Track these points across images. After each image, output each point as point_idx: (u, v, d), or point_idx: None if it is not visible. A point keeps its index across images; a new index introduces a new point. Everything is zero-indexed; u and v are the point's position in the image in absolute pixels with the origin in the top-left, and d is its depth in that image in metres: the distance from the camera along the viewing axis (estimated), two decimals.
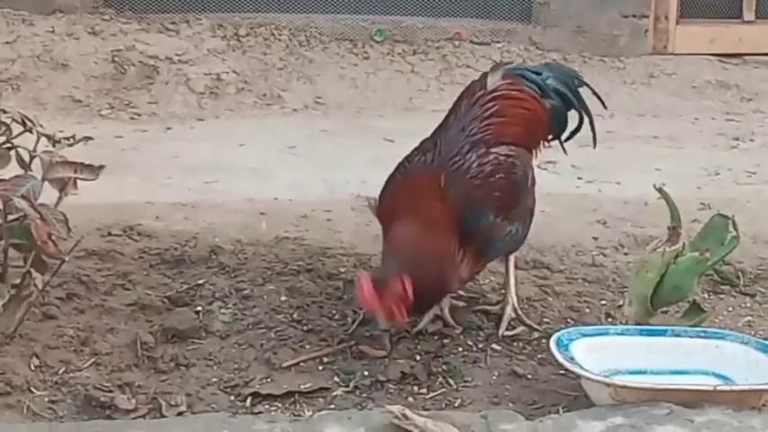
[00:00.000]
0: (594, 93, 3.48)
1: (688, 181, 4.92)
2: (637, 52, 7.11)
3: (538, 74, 3.33)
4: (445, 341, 3.10)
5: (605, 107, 3.53)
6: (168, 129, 5.71)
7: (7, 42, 6.23)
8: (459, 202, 2.98)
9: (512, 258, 3.27)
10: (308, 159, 5.12)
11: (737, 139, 5.87)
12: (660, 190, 3.12)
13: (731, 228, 3.08)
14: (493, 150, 3.10)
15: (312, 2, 6.91)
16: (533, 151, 3.29)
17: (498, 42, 6.97)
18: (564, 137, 3.40)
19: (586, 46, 7.05)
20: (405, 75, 6.54)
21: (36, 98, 5.93)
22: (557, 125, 3.35)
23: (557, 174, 4.78)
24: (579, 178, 4.87)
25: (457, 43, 6.88)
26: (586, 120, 3.41)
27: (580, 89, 3.41)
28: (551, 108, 3.30)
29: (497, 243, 3.10)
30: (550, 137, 3.37)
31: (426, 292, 2.91)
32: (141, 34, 6.45)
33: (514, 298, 3.24)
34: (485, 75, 3.32)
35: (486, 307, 3.31)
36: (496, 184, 3.07)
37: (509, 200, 3.10)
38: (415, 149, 3.16)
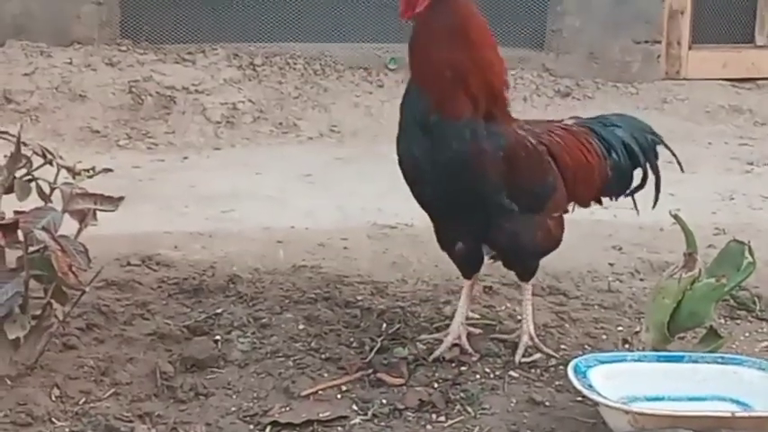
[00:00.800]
0: (670, 150, 3.42)
1: (703, 206, 4.93)
2: (649, 78, 7.13)
3: (611, 126, 3.29)
4: (463, 368, 3.11)
5: (682, 168, 3.47)
6: (185, 158, 5.75)
7: (26, 74, 6.28)
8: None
9: (528, 287, 3.24)
10: (323, 187, 5.15)
11: (751, 163, 5.88)
12: (675, 216, 3.13)
13: (747, 254, 3.09)
14: (538, 140, 3.07)
15: (326, 31, 6.95)
16: (570, 197, 3.20)
17: (512, 69, 6.97)
18: (627, 192, 3.36)
19: (599, 72, 7.08)
20: None
21: (55, 129, 5.97)
22: (619, 185, 3.31)
23: None
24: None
25: None
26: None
27: (654, 147, 3.36)
28: (614, 166, 3.25)
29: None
30: (606, 196, 3.33)
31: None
32: (158, 65, 6.50)
33: (531, 326, 3.23)
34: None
35: (503, 336, 3.31)
36: (529, 152, 3.03)
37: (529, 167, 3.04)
38: None
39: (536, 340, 3.22)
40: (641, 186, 3.37)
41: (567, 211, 3.23)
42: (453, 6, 2.97)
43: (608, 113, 3.48)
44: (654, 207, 3.38)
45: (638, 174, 3.38)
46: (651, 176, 3.38)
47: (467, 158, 2.93)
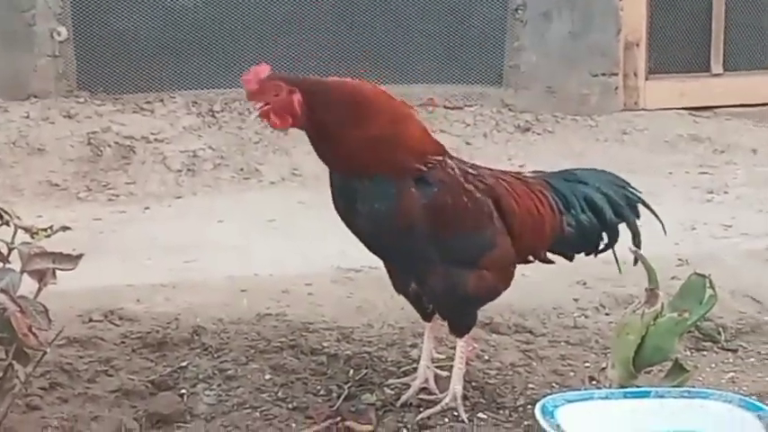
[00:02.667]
0: (649, 208, 3.30)
1: (665, 237, 4.94)
2: (608, 110, 7.19)
3: (573, 181, 3.18)
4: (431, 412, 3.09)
5: (664, 229, 3.32)
6: (146, 208, 5.73)
7: None
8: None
9: (462, 343, 3.11)
10: (286, 233, 5.14)
11: (712, 192, 5.93)
12: (636, 253, 3.14)
13: (708, 286, 3.11)
14: (479, 194, 2.97)
15: (285, 74, 6.95)
16: (519, 257, 3.09)
17: (471, 106, 7.04)
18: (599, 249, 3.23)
19: (558, 106, 7.13)
20: None
21: (13, 185, 5.93)
22: (582, 241, 3.18)
23: None
24: None
25: (430, 109, 6.94)
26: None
27: (630, 203, 3.24)
28: (572, 223, 3.13)
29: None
30: (568, 251, 3.22)
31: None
32: (116, 115, 6.49)
33: (459, 387, 3.10)
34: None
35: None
36: (456, 195, 2.93)
37: (449, 215, 2.92)
38: None
39: (458, 402, 3.07)
40: (612, 242, 3.23)
41: (517, 264, 3.12)
42: (333, 96, 2.92)
43: (581, 168, 3.36)
44: (635, 264, 3.21)
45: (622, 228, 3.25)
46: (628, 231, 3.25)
47: (385, 215, 2.88)
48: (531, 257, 3.17)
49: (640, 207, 3.32)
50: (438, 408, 3.06)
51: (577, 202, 3.16)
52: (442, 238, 2.93)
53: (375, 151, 2.88)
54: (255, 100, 2.94)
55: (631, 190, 3.28)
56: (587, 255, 3.27)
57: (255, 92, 2.93)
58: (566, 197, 3.16)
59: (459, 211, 2.94)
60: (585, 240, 3.21)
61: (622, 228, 3.25)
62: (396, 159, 2.89)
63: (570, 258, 3.27)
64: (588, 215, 3.16)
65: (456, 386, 3.09)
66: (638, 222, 3.28)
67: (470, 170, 3.03)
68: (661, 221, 3.32)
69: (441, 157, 2.97)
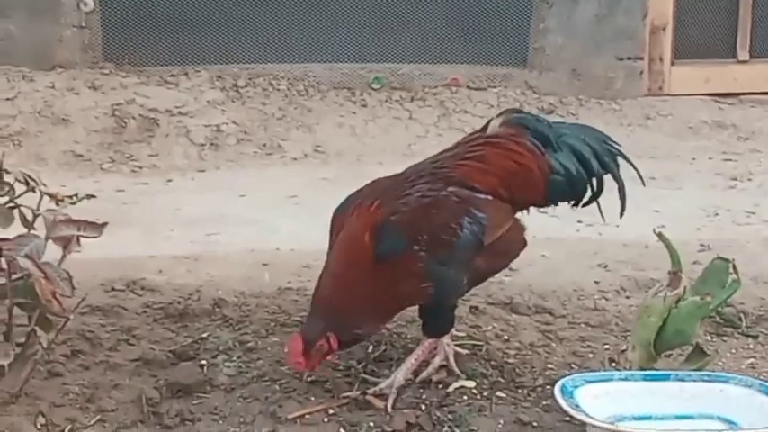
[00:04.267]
0: (629, 162, 3.30)
1: (687, 222, 4.95)
2: (632, 94, 7.15)
3: (549, 126, 3.17)
4: (449, 390, 3.10)
5: (642, 181, 3.35)
6: (169, 181, 5.74)
7: (8, 99, 6.27)
8: (380, 227, 2.92)
9: (426, 342, 3.14)
10: (308, 208, 5.14)
11: (735, 179, 5.90)
12: (660, 235, 3.13)
13: (732, 271, 3.10)
14: (449, 189, 2.99)
15: (310, 51, 6.96)
16: (519, 209, 3.13)
17: (495, 87, 7.01)
18: (583, 202, 3.24)
19: (582, 89, 7.09)
20: (403, 121, 6.58)
21: (38, 154, 5.96)
22: (569, 189, 3.17)
23: (556, 217, 4.75)
24: (579, 221, 4.88)
25: (454, 89, 6.92)
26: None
27: (612, 156, 3.24)
28: (559, 167, 3.12)
29: (409, 280, 2.94)
30: (556, 199, 3.20)
31: (350, 340, 3.01)
32: (141, 87, 6.50)
33: (401, 379, 3.07)
34: (489, 120, 3.24)
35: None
36: (426, 217, 2.94)
37: (438, 239, 2.95)
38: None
39: (393, 390, 3.03)
40: (598, 193, 3.24)
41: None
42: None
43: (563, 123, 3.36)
44: (621, 216, 3.28)
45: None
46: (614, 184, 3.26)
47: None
48: (532, 207, 3.19)
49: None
50: (375, 388, 3.06)
51: (559, 142, 3.14)
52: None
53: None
54: (310, 369, 3.02)
55: (612, 143, 3.29)
56: (575, 205, 3.26)
57: (309, 365, 2.97)
58: (543, 135, 3.13)
59: (440, 230, 2.97)
60: (573, 189, 3.18)
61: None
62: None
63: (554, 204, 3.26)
64: (575, 163, 3.14)
65: (398, 376, 3.07)
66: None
67: (428, 186, 3.01)
68: (640, 175, 3.35)
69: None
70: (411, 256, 2.93)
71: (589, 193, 3.23)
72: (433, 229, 2.95)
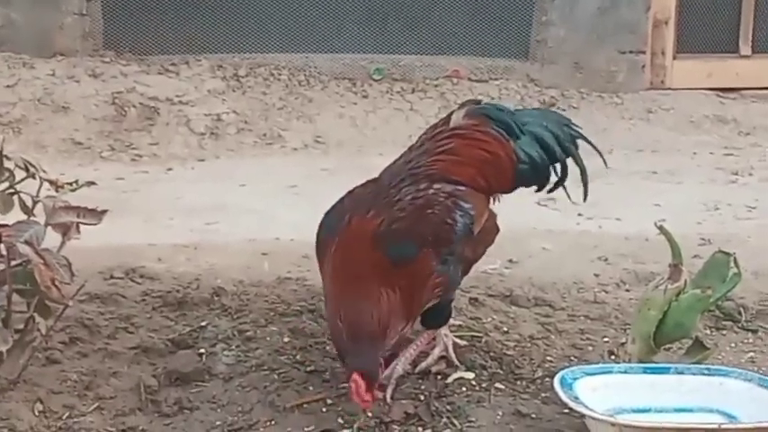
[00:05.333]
0: (591, 144, 3.30)
1: (688, 216, 4.94)
2: (634, 88, 7.15)
3: (511, 114, 3.19)
4: (448, 381, 3.10)
5: (605, 163, 3.33)
6: (169, 170, 5.74)
7: (8, 86, 6.27)
8: (384, 236, 2.88)
9: (425, 333, 3.13)
10: (308, 199, 5.13)
11: (736, 173, 5.90)
12: (661, 228, 3.12)
13: (733, 264, 3.09)
14: (434, 186, 2.99)
15: (311, 42, 6.95)
16: (491, 197, 3.15)
17: (496, 80, 7.01)
18: (548, 187, 3.23)
19: (584, 82, 7.09)
20: (404, 113, 6.57)
21: (37, 141, 5.95)
22: (534, 174, 3.17)
23: (557, 210, 4.79)
24: (579, 215, 4.88)
25: (455, 81, 6.93)
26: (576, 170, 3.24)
27: (573, 140, 3.24)
28: (523, 155, 3.13)
29: (426, 281, 2.92)
30: (522, 185, 3.19)
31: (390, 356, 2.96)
32: (141, 76, 6.49)
33: (400, 369, 3.05)
34: (451, 113, 3.25)
35: None
36: (425, 219, 2.93)
37: (440, 237, 2.94)
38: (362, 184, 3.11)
39: (392, 382, 3.00)
40: (563, 178, 3.23)
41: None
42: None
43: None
44: (585, 199, 3.25)
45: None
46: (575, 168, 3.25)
47: None
48: (502, 192, 3.18)
49: None
50: (389, 373, 3.02)
51: (520, 131, 3.15)
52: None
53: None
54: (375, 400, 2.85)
55: (573, 126, 3.29)
56: (539, 190, 3.26)
57: (376, 398, 2.85)
58: (505, 123, 3.14)
59: (440, 228, 2.96)
60: (538, 174, 3.19)
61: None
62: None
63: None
64: (538, 151, 3.16)
65: (397, 366, 3.05)
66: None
67: (414, 187, 2.99)
68: (603, 157, 3.32)
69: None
70: (423, 257, 2.92)
71: (554, 178, 3.23)
72: (433, 228, 2.95)
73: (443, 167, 3.05)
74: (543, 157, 3.17)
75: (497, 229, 3.21)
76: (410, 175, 3.04)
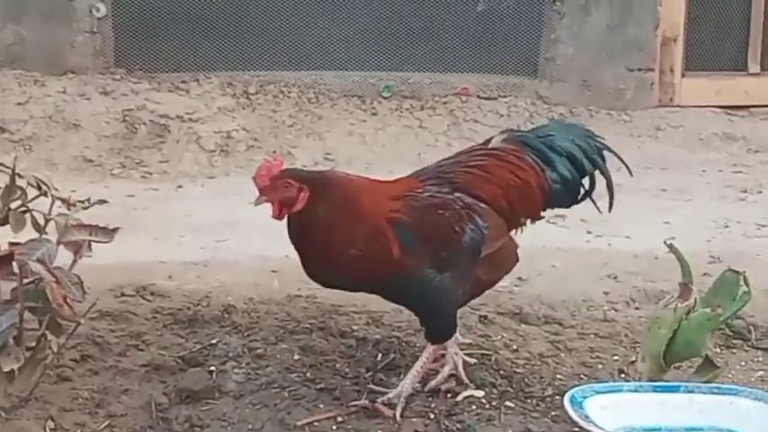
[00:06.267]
0: (616, 155, 3.32)
1: (697, 234, 4.94)
2: (643, 105, 7.15)
3: (547, 137, 3.22)
4: (458, 399, 3.10)
5: (630, 172, 3.38)
6: (179, 187, 5.75)
7: (19, 103, 6.29)
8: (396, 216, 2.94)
9: (430, 349, 3.11)
10: None
11: (745, 191, 5.90)
12: (671, 246, 3.13)
13: (742, 283, 3.09)
14: (455, 194, 3.03)
15: (320, 59, 6.98)
16: (513, 223, 3.15)
17: (505, 97, 7.02)
18: (579, 199, 3.26)
19: (593, 99, 7.10)
20: (413, 130, 6.58)
21: (48, 158, 5.97)
22: (566, 194, 3.21)
23: (566, 228, 4.80)
24: (589, 232, 4.89)
25: (464, 98, 6.93)
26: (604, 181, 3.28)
27: (599, 151, 3.27)
28: (557, 178, 3.17)
29: (413, 278, 2.96)
30: (554, 207, 3.24)
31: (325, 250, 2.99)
32: (152, 93, 6.51)
33: (408, 387, 3.05)
34: (491, 137, 3.29)
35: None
36: (432, 217, 2.97)
37: (442, 238, 2.97)
38: None
39: (401, 400, 3.01)
40: (590, 190, 3.26)
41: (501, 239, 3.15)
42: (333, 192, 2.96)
43: (551, 122, 3.41)
44: (610, 211, 3.30)
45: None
46: (602, 179, 3.28)
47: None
48: (527, 221, 3.20)
49: None
50: (384, 397, 3.04)
51: (555, 155, 3.18)
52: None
53: (351, 267, 2.96)
54: (265, 196, 2.96)
55: (597, 138, 3.31)
56: (569, 207, 3.29)
57: (266, 188, 2.95)
58: (543, 153, 3.18)
59: (444, 231, 2.99)
60: (569, 193, 3.23)
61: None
62: (371, 270, 2.95)
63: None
64: (569, 168, 3.19)
65: (406, 384, 3.06)
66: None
67: (436, 188, 3.05)
68: (627, 165, 3.37)
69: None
70: (415, 253, 2.95)
71: (582, 192, 3.26)
72: (438, 228, 2.98)
73: (469, 180, 3.09)
74: (574, 173, 3.21)
75: (517, 258, 3.21)
76: (436, 176, 3.08)
